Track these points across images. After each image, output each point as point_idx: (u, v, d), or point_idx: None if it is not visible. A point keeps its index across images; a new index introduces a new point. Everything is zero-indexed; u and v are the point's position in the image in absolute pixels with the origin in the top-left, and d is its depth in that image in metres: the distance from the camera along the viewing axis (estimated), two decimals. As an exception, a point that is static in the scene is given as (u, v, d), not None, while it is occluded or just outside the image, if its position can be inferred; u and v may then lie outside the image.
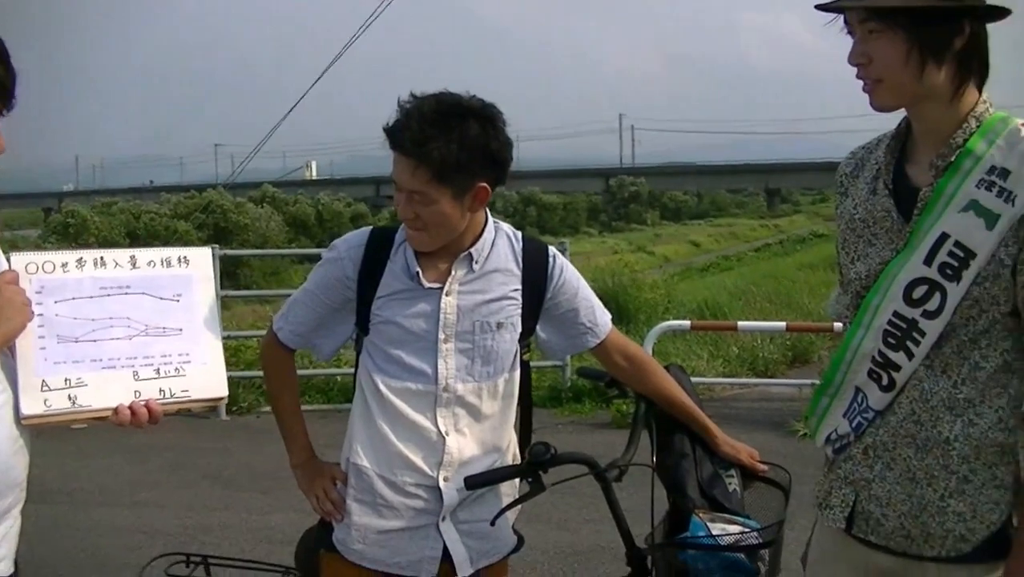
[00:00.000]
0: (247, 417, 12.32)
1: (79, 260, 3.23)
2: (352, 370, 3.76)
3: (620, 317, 15.92)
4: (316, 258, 3.98)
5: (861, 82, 2.87)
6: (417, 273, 3.54)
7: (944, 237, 2.78)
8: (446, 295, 3.55)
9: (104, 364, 3.14)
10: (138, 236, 61.14)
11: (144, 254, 3.34)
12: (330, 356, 3.85)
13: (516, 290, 3.64)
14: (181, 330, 3.29)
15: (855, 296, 3.01)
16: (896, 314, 2.86)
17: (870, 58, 2.80)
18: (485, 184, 3.45)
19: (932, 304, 2.79)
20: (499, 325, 3.59)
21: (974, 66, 2.80)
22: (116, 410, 3.11)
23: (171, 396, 3.21)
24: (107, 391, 3.12)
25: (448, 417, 3.57)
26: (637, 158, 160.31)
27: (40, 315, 3.09)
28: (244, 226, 64.25)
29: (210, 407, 3.35)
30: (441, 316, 3.54)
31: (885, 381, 2.91)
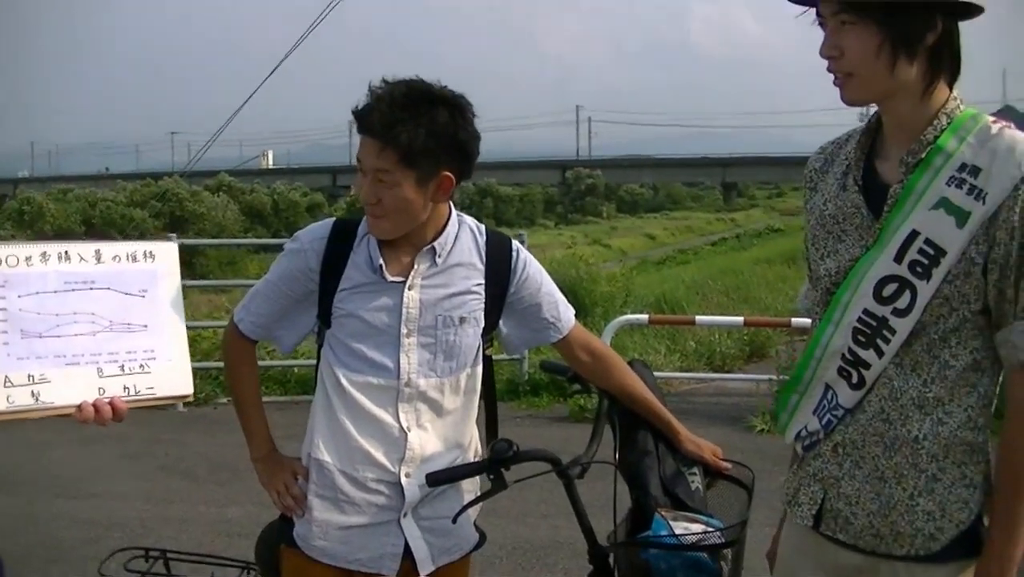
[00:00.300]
0: (204, 408, 12.21)
1: (43, 254, 3.16)
2: (309, 362, 3.75)
3: (578, 310, 15.86)
4: (273, 248, 3.96)
5: (832, 75, 2.85)
6: (380, 266, 3.51)
7: (914, 235, 2.77)
8: (409, 289, 3.52)
9: (68, 360, 3.09)
10: (94, 224, 60.89)
11: (109, 248, 3.27)
12: (291, 348, 3.80)
13: (479, 284, 3.62)
14: (146, 326, 3.24)
15: (825, 292, 3.00)
16: (866, 311, 2.85)
17: (842, 51, 2.78)
18: (450, 173, 3.43)
19: (902, 302, 2.79)
20: (462, 320, 3.57)
21: (945, 62, 2.79)
22: (80, 407, 3.07)
23: (136, 393, 3.16)
24: (71, 388, 3.08)
25: (410, 412, 3.54)
26: (594, 150, 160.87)
27: (3, 309, 3.05)
28: (200, 215, 64.11)
29: (174, 403, 3.31)
30: (403, 310, 3.52)
31: (855, 379, 2.90)
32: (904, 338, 2.79)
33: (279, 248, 3.71)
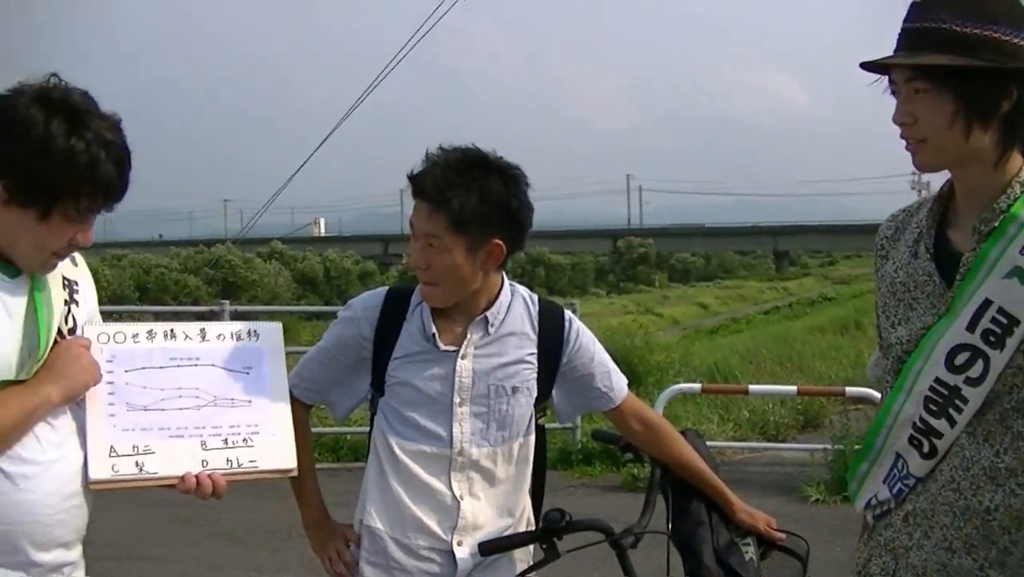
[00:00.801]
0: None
1: (149, 332, 3.29)
2: (362, 429, 3.75)
3: (631, 379, 15.82)
4: (324, 315, 4.00)
5: (904, 141, 2.83)
6: (433, 335, 3.53)
7: (987, 303, 2.73)
8: (462, 358, 3.53)
9: (172, 433, 3.17)
10: (148, 289, 61.35)
11: (213, 328, 3.39)
12: (345, 415, 3.82)
13: (532, 354, 3.63)
14: (250, 402, 3.30)
15: (896, 360, 2.96)
16: (938, 380, 2.81)
17: (915, 117, 2.77)
18: (500, 242, 3.45)
19: (975, 371, 2.74)
20: (515, 389, 3.57)
21: (1020, 131, 2.76)
22: (183, 478, 3.13)
23: (238, 466, 3.22)
24: (175, 459, 3.15)
25: (463, 481, 3.54)
26: (645, 219, 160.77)
27: (111, 383, 3.14)
28: (253, 282, 64.51)
29: (279, 477, 3.36)
30: (456, 379, 3.52)
31: (926, 448, 2.85)
32: (977, 407, 2.74)
33: (331, 316, 3.75)
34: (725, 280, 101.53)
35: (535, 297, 3.74)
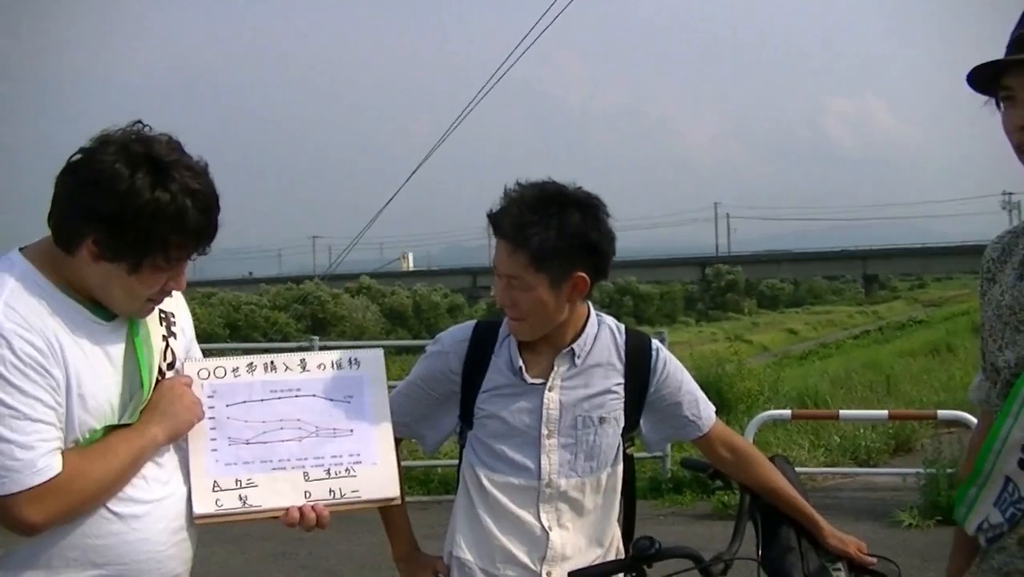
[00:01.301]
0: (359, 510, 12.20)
1: (249, 365, 3.32)
2: (451, 462, 3.76)
3: (720, 406, 15.77)
4: (413, 349, 4.01)
5: (1017, 150, 2.71)
6: (520, 368, 3.54)
7: None
8: (549, 390, 3.54)
9: (275, 465, 3.21)
10: (239, 327, 61.83)
11: (314, 357, 3.41)
12: (434, 448, 3.84)
13: (619, 384, 3.63)
14: (352, 431, 3.32)
15: (1004, 384, 2.88)
16: None
17: None
18: (583, 274, 3.45)
19: None
20: (602, 420, 3.57)
21: None
22: (287, 511, 3.17)
23: (341, 496, 3.24)
24: (278, 492, 3.18)
25: (551, 512, 3.54)
26: (733, 246, 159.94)
27: (212, 418, 3.19)
28: (341, 317, 64.77)
29: (382, 506, 3.39)
30: (544, 411, 3.53)
31: None
32: None
33: (420, 349, 3.77)
34: (814, 305, 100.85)
35: (621, 327, 3.75)
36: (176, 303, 3.24)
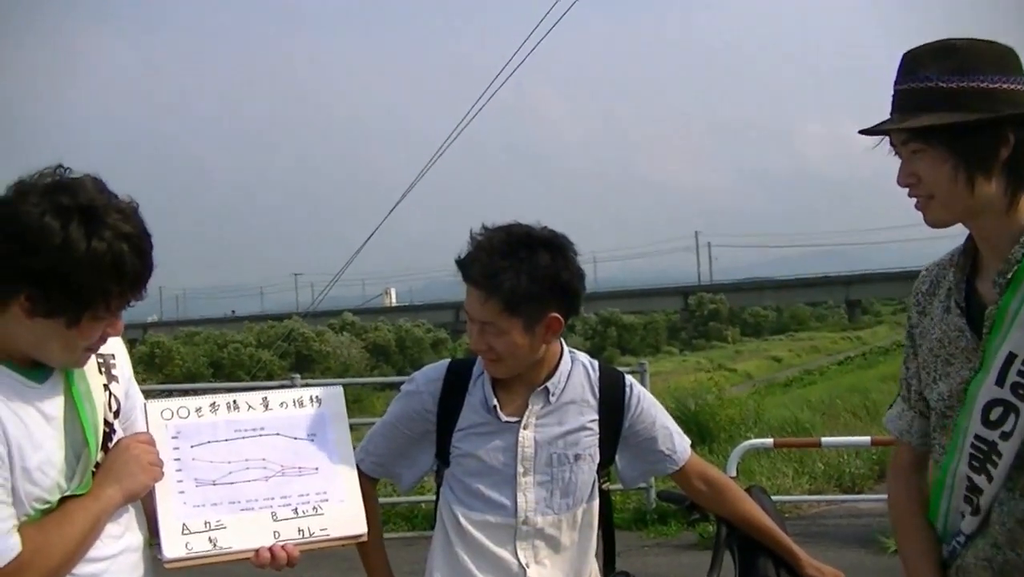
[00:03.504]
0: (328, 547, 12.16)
1: (212, 404, 3.31)
2: (434, 498, 3.77)
3: (702, 436, 15.80)
4: (398, 385, 4.02)
5: (913, 200, 2.83)
6: (494, 407, 3.56)
7: (1012, 357, 2.70)
8: (523, 428, 3.55)
9: (243, 506, 3.20)
10: (222, 365, 61.70)
11: (276, 396, 3.41)
12: (410, 486, 3.84)
13: (593, 420, 3.64)
14: (317, 469, 3.33)
15: (940, 416, 2.95)
16: (977, 436, 2.79)
17: (919, 177, 2.77)
18: (557, 315, 3.47)
19: (1008, 425, 2.71)
20: (577, 457, 3.59)
21: None
22: (257, 552, 3.16)
23: (310, 535, 3.25)
24: (247, 533, 3.17)
25: (528, 549, 3.55)
26: (715, 274, 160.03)
27: (177, 459, 3.18)
28: (326, 354, 64.68)
29: (350, 544, 3.41)
30: (519, 449, 3.54)
31: (973, 505, 2.83)
32: (1011, 461, 2.71)
33: (404, 385, 3.79)
34: (798, 332, 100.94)
35: (595, 363, 3.77)
36: (113, 342, 3.07)
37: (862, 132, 2.89)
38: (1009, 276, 2.74)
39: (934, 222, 2.84)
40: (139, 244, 2.79)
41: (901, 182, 2.84)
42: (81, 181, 2.78)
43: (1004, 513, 2.77)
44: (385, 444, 3.74)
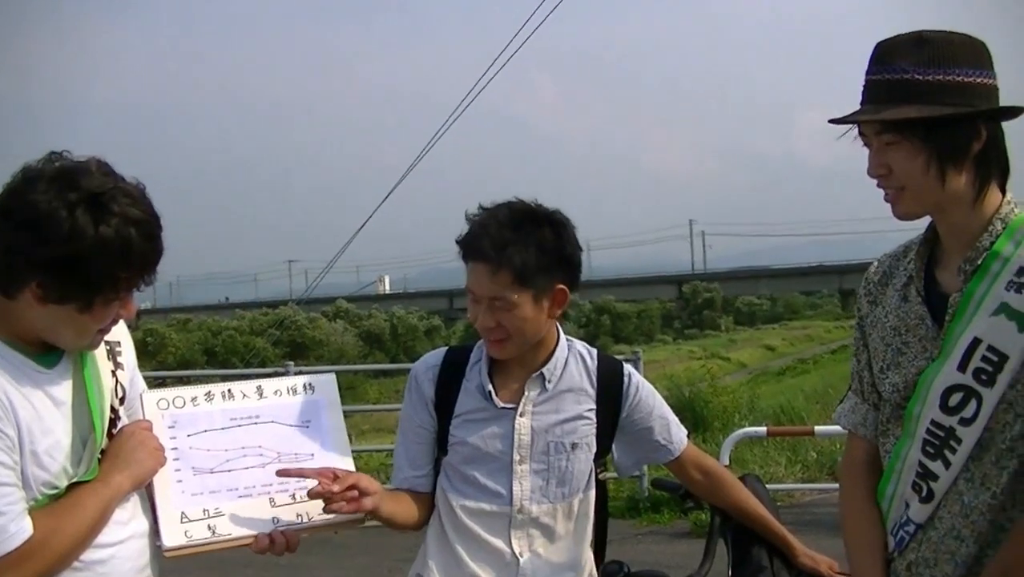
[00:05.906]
0: (327, 532, 12.16)
1: (207, 394, 3.34)
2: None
3: (696, 424, 15.83)
4: (392, 372, 4.02)
5: (883, 192, 2.86)
6: (490, 393, 3.56)
7: (976, 342, 2.74)
8: (520, 416, 3.55)
9: (240, 493, 3.23)
10: (216, 352, 61.69)
11: (270, 384, 3.44)
12: None
13: (591, 409, 3.64)
14: (313, 455, 3.35)
15: (895, 407, 2.97)
16: (934, 422, 2.81)
17: (890, 168, 2.80)
18: (563, 286, 3.49)
19: (968, 411, 2.74)
20: (574, 445, 3.58)
21: (995, 167, 2.79)
22: (256, 538, 3.18)
23: (309, 520, 3.27)
24: (246, 519, 3.20)
25: (523, 538, 3.55)
26: (709, 263, 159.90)
27: (175, 449, 3.20)
28: (319, 341, 64.68)
29: (348, 528, 3.42)
30: (515, 437, 3.54)
31: (924, 492, 2.85)
32: (971, 448, 2.74)
33: (398, 372, 3.81)
34: (791, 321, 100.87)
35: (594, 352, 3.77)
36: (119, 329, 3.12)
37: (833, 121, 2.91)
38: (979, 263, 2.78)
39: (904, 214, 2.87)
40: (148, 228, 2.82)
41: (872, 173, 2.86)
42: (87, 165, 2.81)
43: (966, 505, 2.77)
44: (417, 448, 3.69)
